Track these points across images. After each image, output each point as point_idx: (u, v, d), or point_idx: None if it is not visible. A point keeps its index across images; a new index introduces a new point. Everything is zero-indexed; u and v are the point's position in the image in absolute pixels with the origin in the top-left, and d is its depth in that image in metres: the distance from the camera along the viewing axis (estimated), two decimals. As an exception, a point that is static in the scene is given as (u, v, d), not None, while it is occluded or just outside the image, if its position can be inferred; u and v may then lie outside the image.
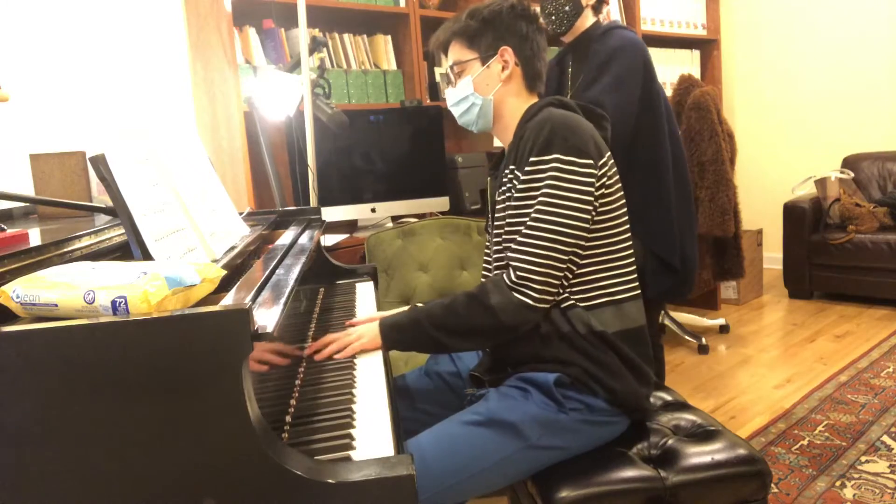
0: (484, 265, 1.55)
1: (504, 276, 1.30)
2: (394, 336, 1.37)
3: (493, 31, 1.44)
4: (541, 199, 1.29)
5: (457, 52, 1.48)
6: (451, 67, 1.49)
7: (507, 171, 1.38)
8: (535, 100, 1.47)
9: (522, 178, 1.32)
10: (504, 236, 1.36)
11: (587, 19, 2.15)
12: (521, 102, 1.45)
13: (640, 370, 1.36)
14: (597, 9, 2.16)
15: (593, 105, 1.47)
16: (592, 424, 1.33)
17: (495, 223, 1.43)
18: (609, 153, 1.37)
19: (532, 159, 1.31)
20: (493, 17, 1.44)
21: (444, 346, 1.35)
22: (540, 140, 1.31)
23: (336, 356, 1.35)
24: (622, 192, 1.39)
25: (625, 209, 1.39)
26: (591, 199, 1.30)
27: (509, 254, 1.32)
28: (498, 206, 1.41)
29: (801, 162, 4.74)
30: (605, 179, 1.33)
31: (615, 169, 1.37)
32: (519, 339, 1.34)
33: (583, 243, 1.31)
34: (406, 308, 1.45)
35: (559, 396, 1.30)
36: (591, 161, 1.30)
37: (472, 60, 1.45)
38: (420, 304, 1.40)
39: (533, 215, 1.29)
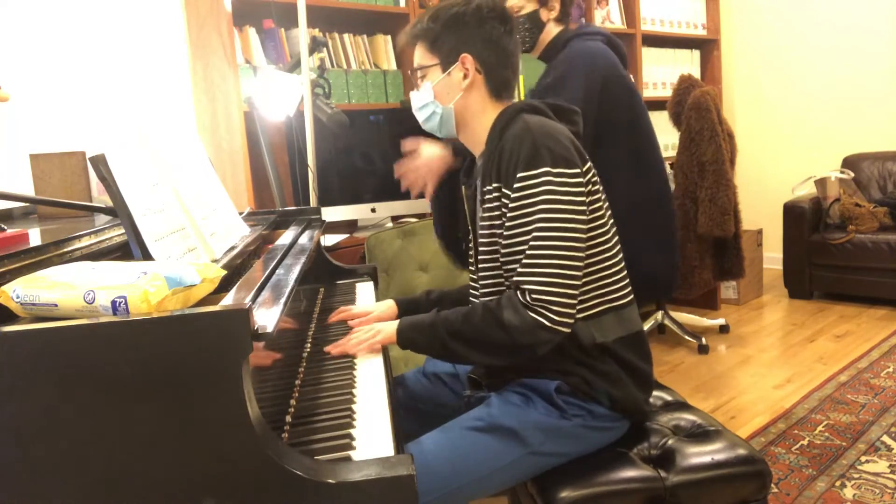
0: (470, 280, 1.48)
1: (518, 295, 1.22)
2: (409, 335, 1.32)
3: (455, 36, 1.35)
4: (539, 215, 1.23)
5: (419, 54, 1.40)
6: (415, 70, 1.41)
7: (490, 188, 1.31)
8: (502, 106, 1.38)
9: (513, 195, 1.25)
10: (502, 259, 1.30)
11: (550, 33, 2.04)
12: (487, 111, 1.37)
13: (640, 374, 1.36)
14: (561, 20, 2.06)
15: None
16: (594, 430, 1.32)
17: (480, 240, 1.37)
18: (587, 156, 1.33)
19: (520, 174, 1.24)
20: (454, 21, 1.35)
21: (456, 355, 1.29)
22: (524, 153, 1.25)
23: (353, 351, 1.35)
24: (605, 195, 1.35)
25: (609, 212, 1.35)
26: (585, 208, 1.26)
27: (516, 277, 1.23)
28: (483, 224, 1.35)
29: (801, 162, 4.74)
30: (590, 186, 1.29)
31: (596, 173, 1.34)
32: None
33: (584, 254, 1.27)
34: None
35: (561, 403, 1.29)
36: (578, 170, 1.26)
37: (432, 66, 1.38)
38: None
39: (535, 234, 1.22)
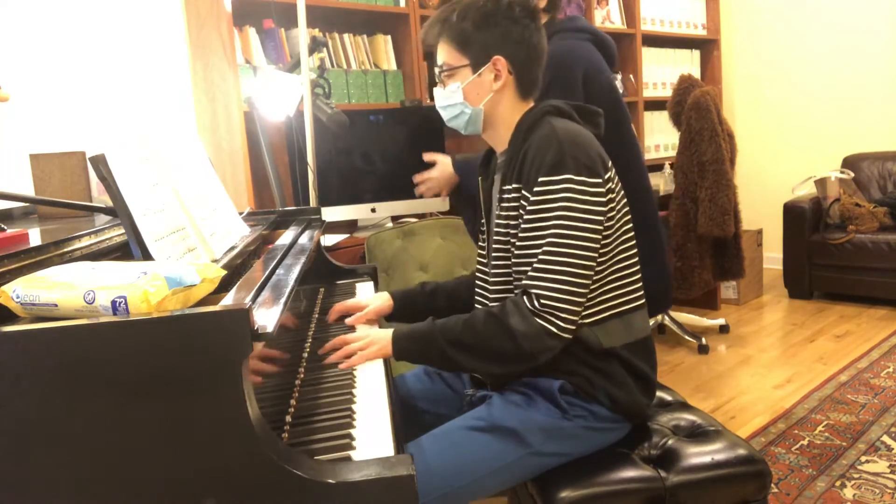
0: (478, 273, 1.48)
1: (525, 300, 1.22)
2: (405, 346, 1.31)
3: (486, 37, 1.32)
4: (556, 221, 1.22)
5: (446, 53, 1.37)
6: (441, 68, 1.39)
7: (509, 188, 1.32)
8: (528, 105, 1.38)
9: (532, 198, 1.25)
10: (514, 259, 1.30)
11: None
12: (514, 110, 1.37)
13: (645, 379, 1.35)
14: (549, 9, 2.05)
15: None
16: (595, 430, 1.32)
17: (494, 237, 1.37)
18: (610, 162, 1.33)
19: (542, 179, 1.24)
20: (485, 21, 1.32)
21: (456, 364, 1.27)
22: (548, 159, 1.24)
23: (343, 364, 1.30)
24: (626, 200, 1.35)
25: (629, 216, 1.35)
26: (603, 218, 1.25)
27: (526, 281, 1.24)
28: (499, 223, 1.35)
29: (801, 162, 4.74)
30: (611, 194, 1.29)
31: (617, 179, 1.34)
32: None
33: (596, 264, 1.27)
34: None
35: (563, 403, 1.29)
36: (600, 180, 1.26)
37: (462, 67, 1.35)
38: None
39: (550, 239, 1.22)
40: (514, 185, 1.30)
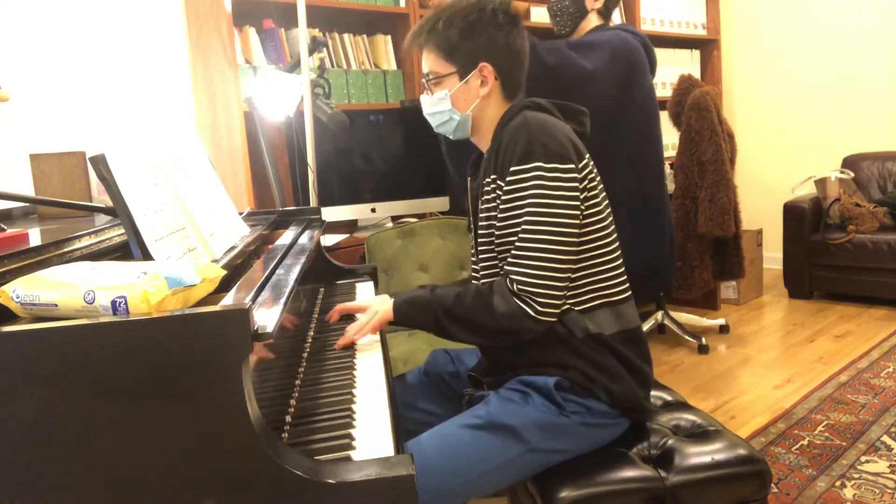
0: (472, 267, 1.52)
1: (507, 282, 1.28)
2: (405, 310, 1.38)
3: (472, 44, 1.35)
4: (528, 208, 1.26)
5: (432, 61, 1.39)
6: (427, 76, 1.41)
7: (488, 180, 1.35)
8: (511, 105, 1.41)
9: (506, 187, 1.29)
10: (497, 249, 1.34)
11: (591, 22, 2.13)
12: (500, 113, 1.40)
13: (639, 371, 1.36)
14: (604, 14, 2.11)
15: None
16: (593, 427, 1.33)
17: (479, 231, 1.41)
18: (588, 155, 1.34)
19: (513, 168, 1.27)
20: (471, 29, 1.35)
21: (448, 333, 1.34)
22: (518, 148, 1.27)
23: (357, 336, 1.40)
24: (605, 193, 1.37)
25: (609, 210, 1.37)
26: (578, 202, 1.28)
27: (506, 267, 1.29)
28: (482, 216, 1.39)
29: (801, 162, 4.74)
30: (586, 182, 1.31)
31: (595, 170, 1.35)
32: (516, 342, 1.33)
33: (575, 248, 1.29)
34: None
35: (559, 400, 1.30)
36: (572, 165, 1.28)
37: (449, 75, 1.38)
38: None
39: (524, 226, 1.26)
40: (492, 177, 1.34)
